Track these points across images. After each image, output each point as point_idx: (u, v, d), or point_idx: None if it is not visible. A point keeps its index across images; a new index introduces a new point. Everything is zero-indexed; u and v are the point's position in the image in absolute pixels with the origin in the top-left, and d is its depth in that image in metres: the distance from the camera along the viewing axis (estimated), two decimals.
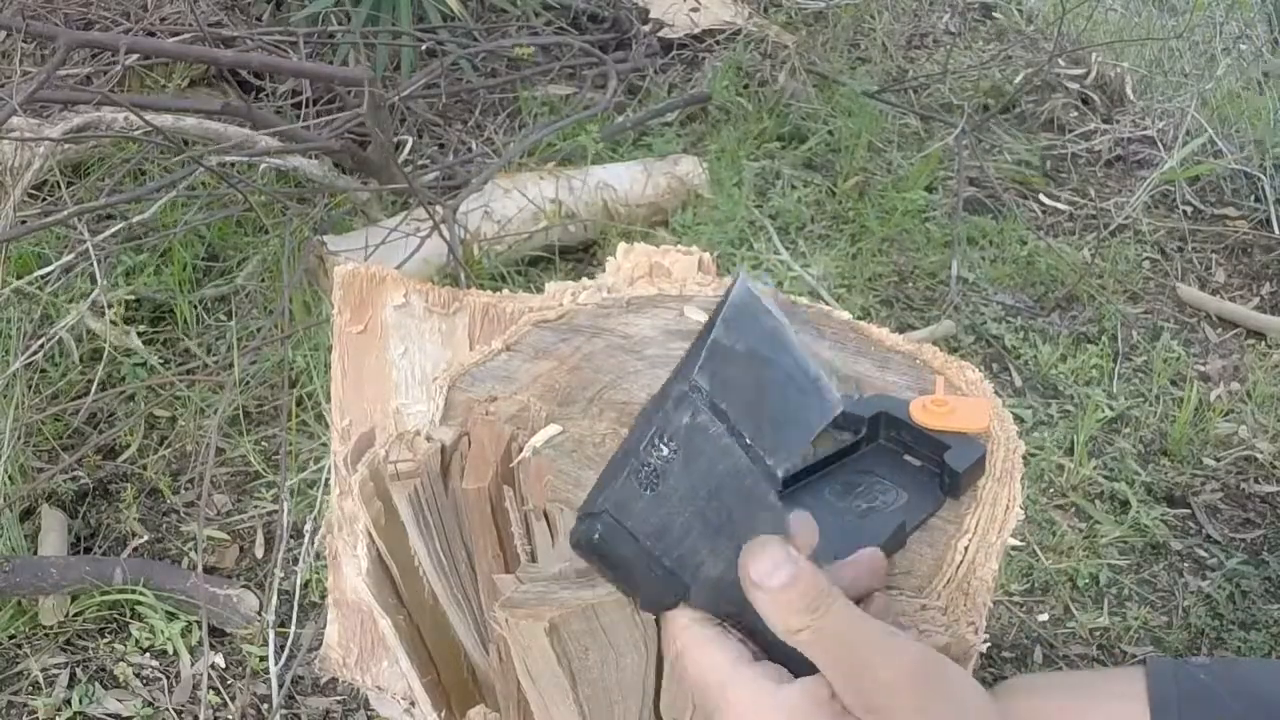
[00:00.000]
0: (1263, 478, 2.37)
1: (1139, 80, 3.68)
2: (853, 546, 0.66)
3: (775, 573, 0.55)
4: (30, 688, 1.77)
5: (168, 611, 1.85)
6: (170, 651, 1.83)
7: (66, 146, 2.50)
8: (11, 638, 1.84)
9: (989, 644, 1.56)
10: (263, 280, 2.50)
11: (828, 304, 1.11)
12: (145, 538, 2.02)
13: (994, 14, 4.24)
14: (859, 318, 0.95)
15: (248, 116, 2.58)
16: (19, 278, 2.23)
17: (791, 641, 0.56)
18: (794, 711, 0.54)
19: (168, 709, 1.75)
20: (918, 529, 0.75)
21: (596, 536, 0.60)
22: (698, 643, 0.57)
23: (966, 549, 0.73)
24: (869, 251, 2.84)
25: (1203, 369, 2.65)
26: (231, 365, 2.18)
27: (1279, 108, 3.37)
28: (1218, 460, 2.39)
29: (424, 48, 3.23)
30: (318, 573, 1.90)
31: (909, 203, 3.00)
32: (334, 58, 3.14)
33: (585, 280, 1.01)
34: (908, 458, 0.79)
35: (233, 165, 2.52)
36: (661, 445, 0.60)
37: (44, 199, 2.60)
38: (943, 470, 0.76)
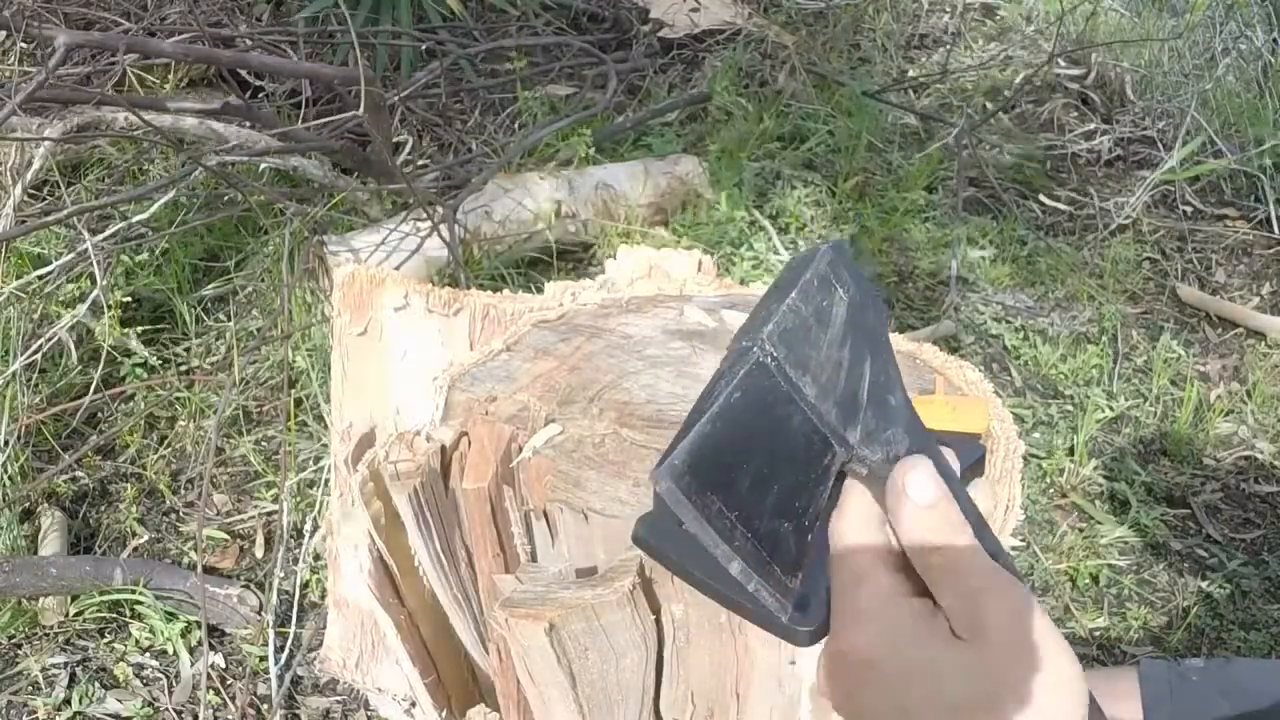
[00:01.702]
0: (1263, 478, 2.36)
1: (1139, 80, 3.68)
2: None
3: (925, 489, 0.57)
4: (30, 688, 1.77)
5: (167, 612, 1.85)
6: (170, 651, 1.83)
7: (66, 146, 2.50)
8: (11, 638, 1.84)
9: None
10: (262, 280, 2.50)
11: None
12: (145, 538, 2.02)
13: (995, 14, 4.24)
14: None
15: (247, 116, 2.58)
16: (19, 278, 2.23)
17: (920, 560, 0.57)
18: (916, 618, 0.56)
19: (168, 709, 1.75)
20: None
21: (771, 361, 0.55)
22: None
23: None
24: (869, 251, 2.84)
25: (1203, 369, 2.65)
26: (231, 366, 2.18)
27: (1279, 108, 3.37)
28: (1218, 460, 2.39)
29: (424, 48, 3.23)
30: (318, 573, 1.90)
31: (909, 203, 3.00)
32: (334, 58, 3.14)
33: (585, 280, 1.01)
34: None
35: (232, 165, 2.52)
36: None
37: (44, 199, 2.60)
38: None
